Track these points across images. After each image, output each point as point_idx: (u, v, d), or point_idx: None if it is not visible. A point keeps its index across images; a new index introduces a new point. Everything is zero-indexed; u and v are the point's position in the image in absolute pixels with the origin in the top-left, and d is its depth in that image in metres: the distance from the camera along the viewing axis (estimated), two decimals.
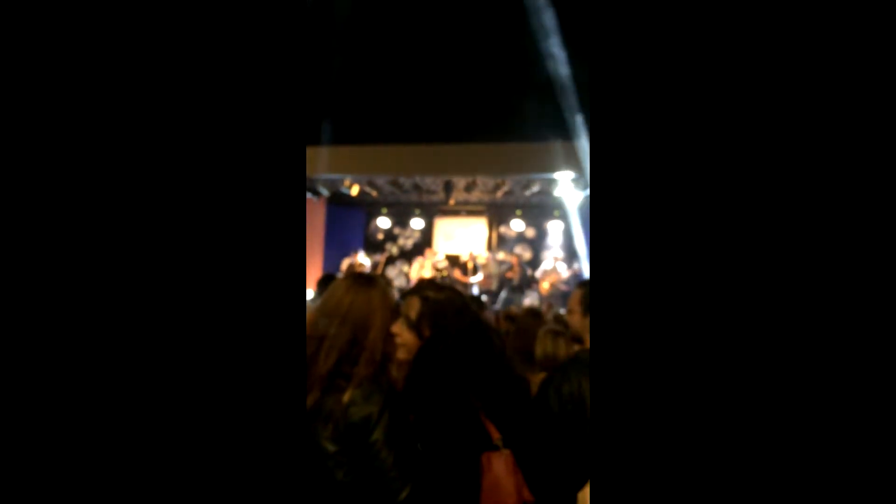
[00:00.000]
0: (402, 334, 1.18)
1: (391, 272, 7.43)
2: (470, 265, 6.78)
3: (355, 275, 1.19)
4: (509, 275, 6.67)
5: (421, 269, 6.66)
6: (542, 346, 1.87)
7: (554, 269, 6.63)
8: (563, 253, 7.10)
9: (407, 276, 7.27)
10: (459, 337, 1.16)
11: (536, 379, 1.73)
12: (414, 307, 1.19)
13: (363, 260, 6.82)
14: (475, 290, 6.61)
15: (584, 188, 5.80)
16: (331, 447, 1.03)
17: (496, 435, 1.12)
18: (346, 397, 1.05)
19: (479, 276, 6.64)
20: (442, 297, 1.21)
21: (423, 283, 1.29)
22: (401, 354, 1.18)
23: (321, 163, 5.24)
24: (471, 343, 1.17)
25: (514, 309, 4.19)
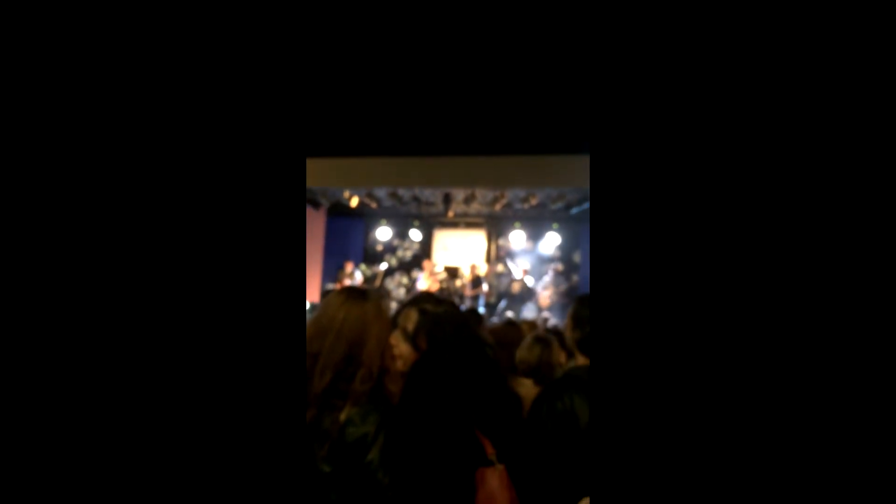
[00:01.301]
0: (399, 346, 1.18)
1: (390, 283, 7.41)
2: (470, 277, 6.77)
3: (348, 289, 1.16)
4: (515, 286, 6.67)
5: (430, 275, 6.64)
6: (520, 352, 1.87)
7: (551, 281, 6.64)
8: (561, 265, 7.10)
9: (406, 287, 7.25)
10: (455, 351, 1.16)
11: (521, 389, 1.72)
12: (411, 320, 1.20)
13: (355, 272, 6.82)
14: (480, 302, 6.59)
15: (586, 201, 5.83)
16: (326, 468, 1.01)
17: (490, 450, 1.12)
18: (342, 416, 1.02)
19: (485, 288, 6.63)
20: (440, 310, 1.21)
21: (422, 296, 1.29)
22: (398, 366, 1.18)
23: (322, 174, 5.28)
24: (467, 357, 1.17)
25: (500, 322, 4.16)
